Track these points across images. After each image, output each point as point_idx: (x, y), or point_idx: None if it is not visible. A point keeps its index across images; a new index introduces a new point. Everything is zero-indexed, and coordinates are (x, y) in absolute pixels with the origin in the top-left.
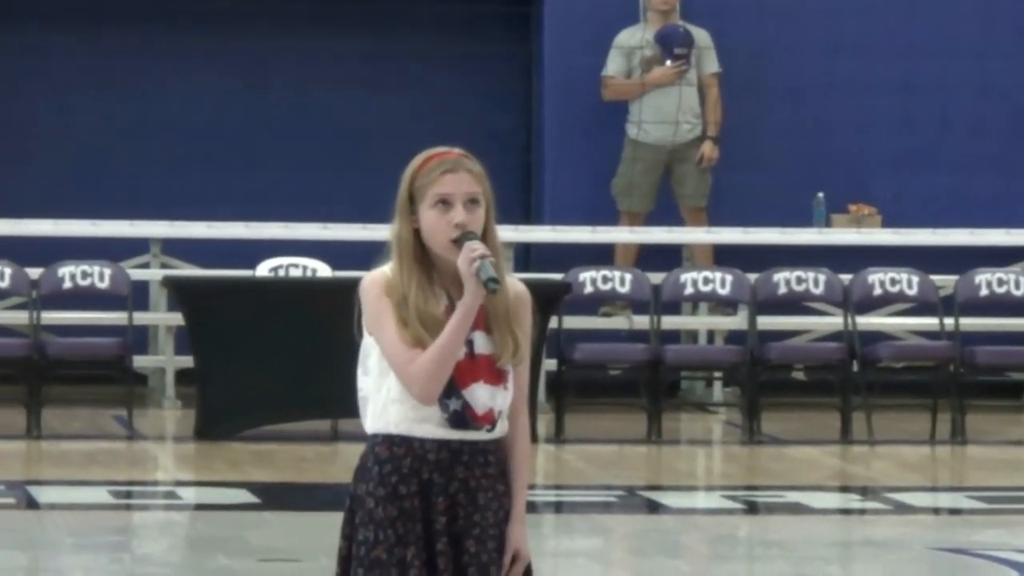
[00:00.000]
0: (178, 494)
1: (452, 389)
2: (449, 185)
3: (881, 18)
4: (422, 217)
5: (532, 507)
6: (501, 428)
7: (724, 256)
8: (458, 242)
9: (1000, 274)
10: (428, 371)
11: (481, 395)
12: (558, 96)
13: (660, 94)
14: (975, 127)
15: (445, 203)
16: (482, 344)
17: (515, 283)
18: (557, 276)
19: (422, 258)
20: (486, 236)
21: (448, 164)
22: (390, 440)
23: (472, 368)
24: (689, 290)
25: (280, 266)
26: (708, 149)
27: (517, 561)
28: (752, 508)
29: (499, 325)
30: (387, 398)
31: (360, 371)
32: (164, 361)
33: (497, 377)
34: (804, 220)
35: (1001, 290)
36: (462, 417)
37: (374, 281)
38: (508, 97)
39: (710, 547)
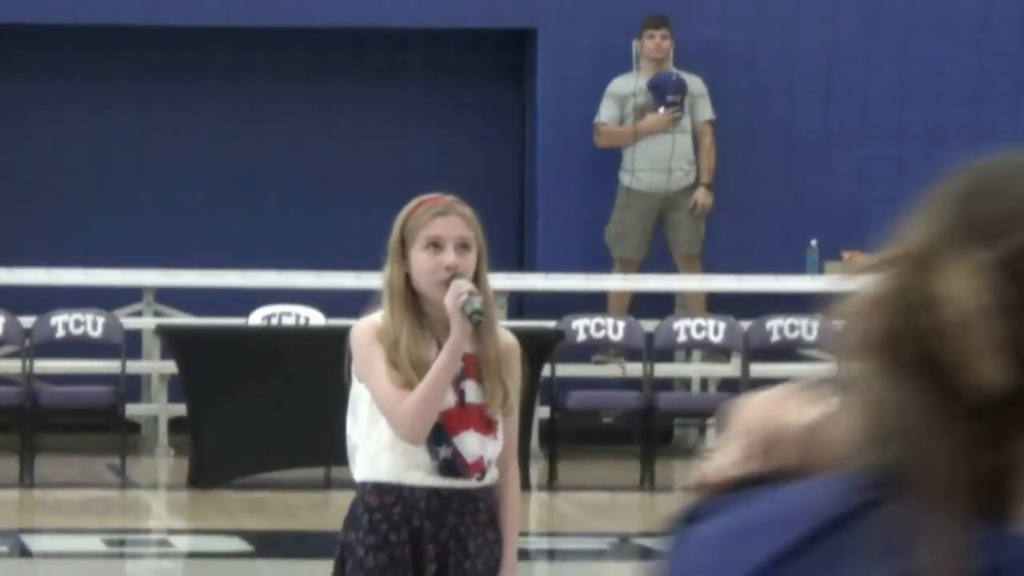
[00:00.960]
0: (171, 542)
1: (443, 437)
2: (440, 228)
3: (876, 66)
4: (413, 260)
5: (525, 554)
6: (491, 477)
7: (717, 303)
8: (447, 284)
9: None
10: (416, 410)
11: (471, 444)
12: (551, 143)
13: (653, 141)
14: None
15: (436, 246)
16: (473, 393)
17: (505, 334)
18: (550, 324)
19: (413, 304)
20: (477, 282)
21: (440, 208)
22: (380, 488)
23: (463, 417)
24: (682, 338)
25: (273, 314)
26: (702, 196)
27: None
28: None
29: (489, 374)
30: (377, 446)
31: (349, 419)
32: (157, 409)
33: (488, 427)
34: (797, 268)
35: None
36: (452, 465)
37: (364, 328)
38: (501, 145)
39: None
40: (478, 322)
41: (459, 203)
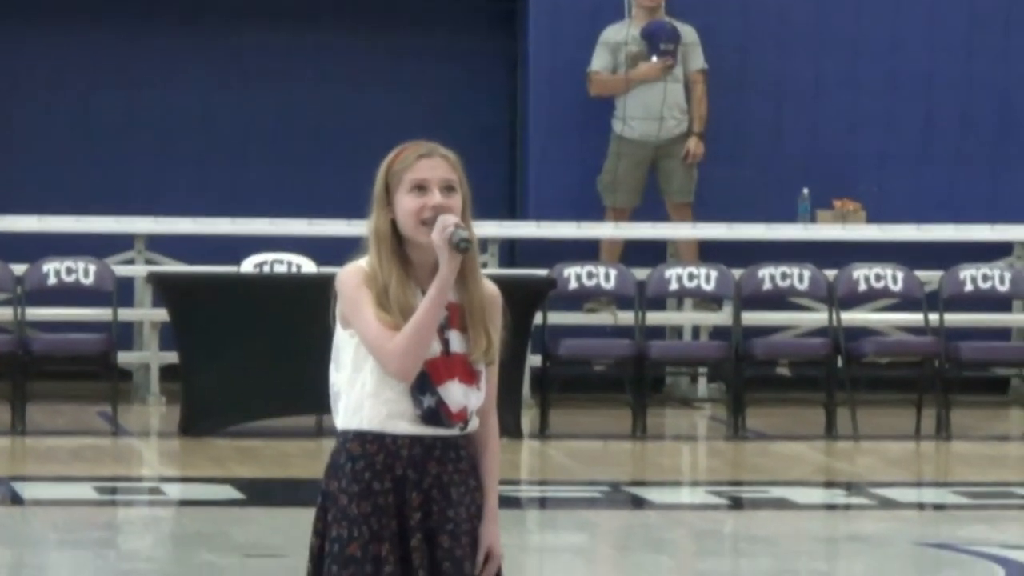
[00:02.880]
0: (163, 490)
1: (427, 385)
2: (425, 170)
3: (867, 14)
4: (398, 204)
5: (517, 503)
6: (472, 427)
7: (709, 252)
8: (431, 224)
9: (985, 269)
10: (406, 346)
11: (455, 393)
12: (543, 92)
13: (646, 90)
14: (961, 123)
15: (421, 188)
16: (457, 343)
17: (488, 284)
18: (542, 272)
19: (399, 251)
20: None
21: (423, 150)
22: (362, 437)
23: (448, 366)
24: (674, 286)
25: (265, 262)
26: (694, 145)
27: (490, 560)
28: (737, 504)
29: (473, 322)
30: (360, 393)
31: (332, 367)
32: (149, 357)
33: (471, 377)
34: (789, 216)
35: (986, 285)
36: (436, 414)
37: (351, 272)
38: (493, 93)
39: (695, 543)
40: (465, 249)
41: (442, 147)
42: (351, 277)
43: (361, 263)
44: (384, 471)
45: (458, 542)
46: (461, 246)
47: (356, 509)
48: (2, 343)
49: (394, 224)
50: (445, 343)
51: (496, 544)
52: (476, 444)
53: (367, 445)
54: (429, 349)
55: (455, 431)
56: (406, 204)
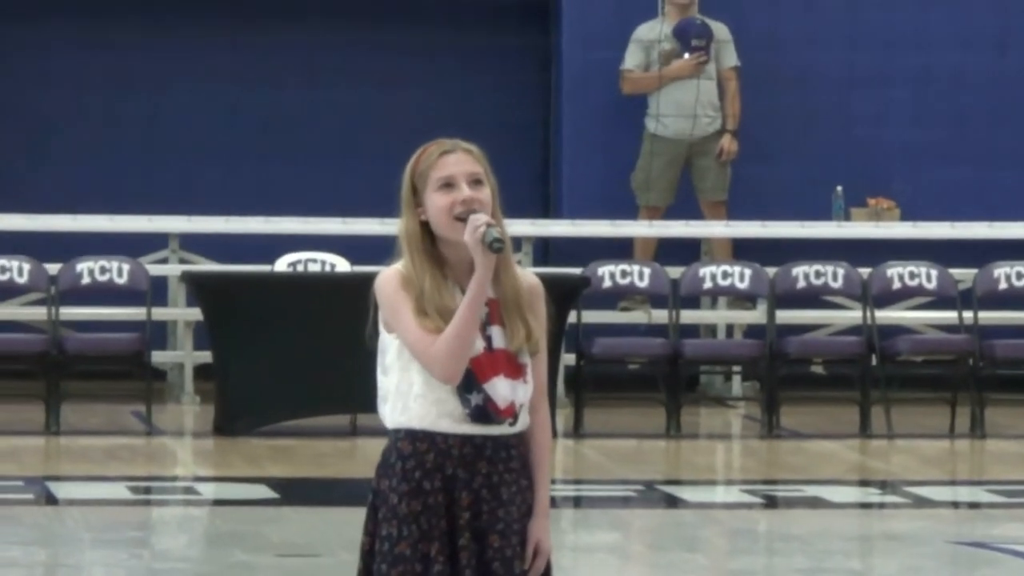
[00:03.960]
0: (197, 490)
1: (473, 383)
2: (451, 166)
3: (899, 9)
4: (428, 204)
5: (551, 501)
6: (523, 422)
7: (743, 250)
8: (464, 219)
9: (1019, 267)
10: (448, 349)
11: (502, 388)
12: (576, 90)
13: (679, 87)
14: (993, 119)
15: (449, 185)
16: (499, 338)
17: (527, 275)
18: (576, 270)
19: (432, 251)
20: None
21: (446, 146)
22: (413, 435)
23: (492, 362)
24: (708, 284)
25: (299, 261)
26: (727, 142)
27: (539, 555)
28: (771, 502)
29: (510, 313)
30: (408, 394)
31: (379, 370)
32: (183, 356)
33: (517, 371)
34: (823, 214)
35: (1020, 283)
36: (484, 411)
37: (389, 277)
38: (526, 91)
39: (729, 541)
40: (499, 249)
41: (463, 141)
42: (389, 282)
43: (397, 267)
44: (434, 470)
45: (508, 541)
46: (495, 247)
47: (406, 508)
48: (36, 343)
49: (424, 225)
50: (487, 340)
51: (545, 539)
52: (527, 443)
53: (418, 444)
54: (472, 349)
55: (505, 427)
56: (436, 202)
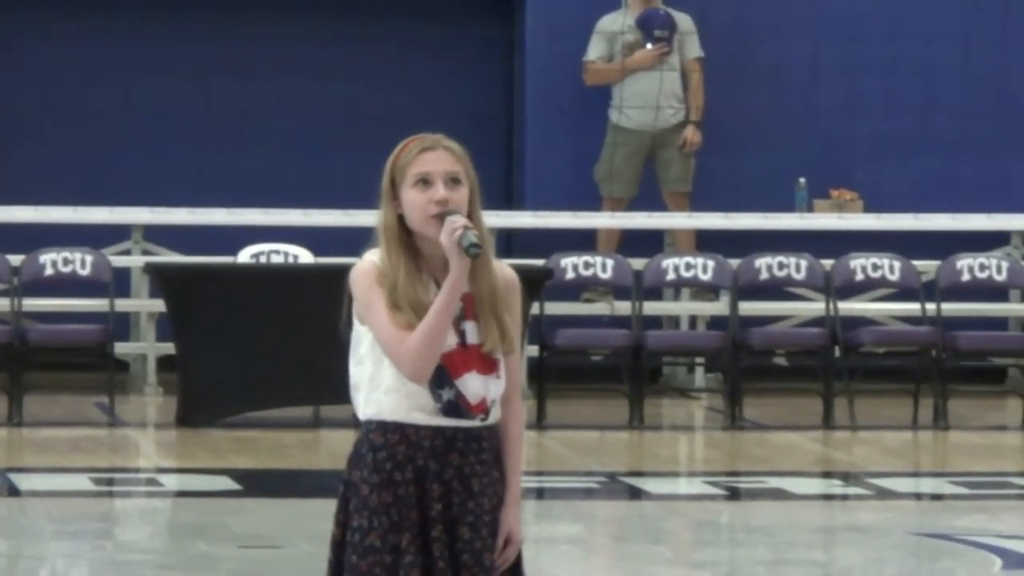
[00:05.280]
0: (159, 481)
1: (445, 379)
2: (428, 163)
3: (864, 1)
4: (404, 198)
5: None
6: (494, 416)
7: (706, 241)
8: (439, 218)
9: (982, 259)
10: (418, 349)
11: (474, 384)
12: (540, 81)
13: (642, 79)
14: (958, 111)
15: (425, 182)
16: (473, 334)
17: (505, 269)
18: (539, 262)
19: (408, 244)
20: (471, 218)
21: (427, 143)
22: (384, 427)
23: (464, 358)
24: (671, 276)
25: (262, 252)
26: (691, 134)
27: (510, 544)
28: (734, 494)
29: (484, 312)
30: (382, 387)
31: (352, 360)
32: (146, 348)
33: (489, 366)
34: (786, 205)
35: (983, 275)
36: (456, 407)
37: (364, 270)
38: (490, 82)
39: (692, 533)
40: (476, 255)
41: (446, 139)
42: (363, 275)
43: (374, 258)
44: (405, 461)
45: (478, 533)
46: (471, 252)
47: (377, 499)
48: None
49: (401, 218)
50: (461, 335)
51: (517, 530)
52: (499, 435)
53: (389, 435)
54: (443, 346)
55: (476, 422)
56: (411, 198)
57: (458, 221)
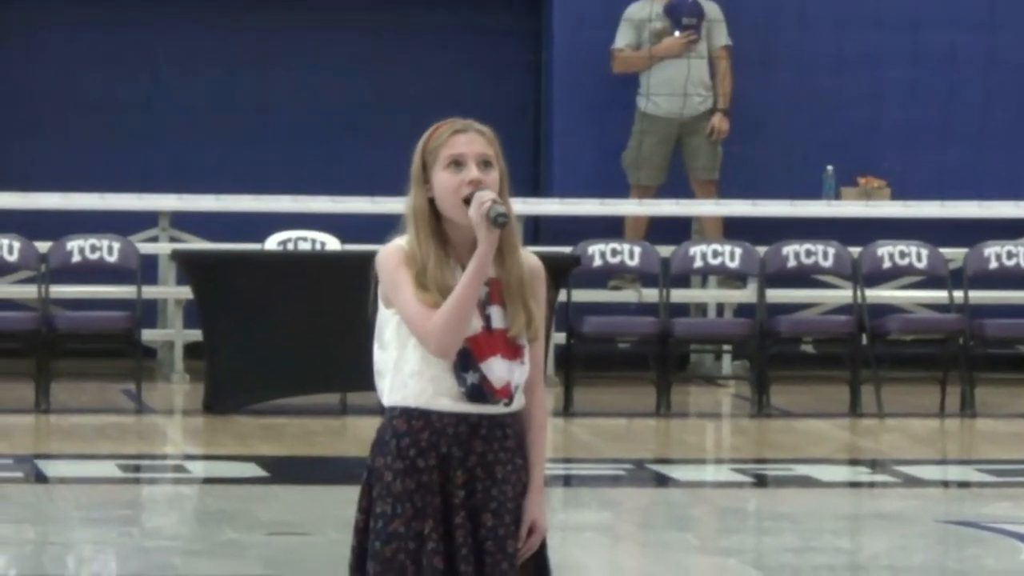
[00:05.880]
0: (186, 468)
1: (470, 362)
2: (461, 145)
3: None
4: (435, 180)
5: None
6: (518, 402)
7: (733, 229)
8: (469, 200)
9: (1009, 247)
10: (445, 323)
11: (499, 369)
12: (567, 69)
13: (669, 66)
14: (985, 99)
15: (458, 164)
16: (499, 318)
17: (529, 257)
18: (566, 249)
19: (437, 229)
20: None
21: (459, 126)
22: (408, 413)
23: (489, 342)
24: (698, 263)
25: (289, 239)
26: (718, 121)
27: (534, 533)
28: (761, 481)
29: (512, 297)
30: (405, 371)
31: (376, 345)
32: (173, 335)
33: (514, 352)
34: (813, 193)
35: (1010, 263)
36: (480, 391)
37: (391, 252)
38: (517, 70)
39: (719, 520)
40: (503, 224)
41: (477, 123)
42: (390, 257)
43: (400, 242)
44: (429, 448)
45: (501, 520)
46: (499, 221)
47: (400, 486)
48: (26, 320)
49: (432, 203)
50: (486, 319)
51: (540, 518)
52: (523, 422)
53: (413, 422)
54: (469, 326)
55: (500, 407)
56: (443, 180)
57: (487, 194)
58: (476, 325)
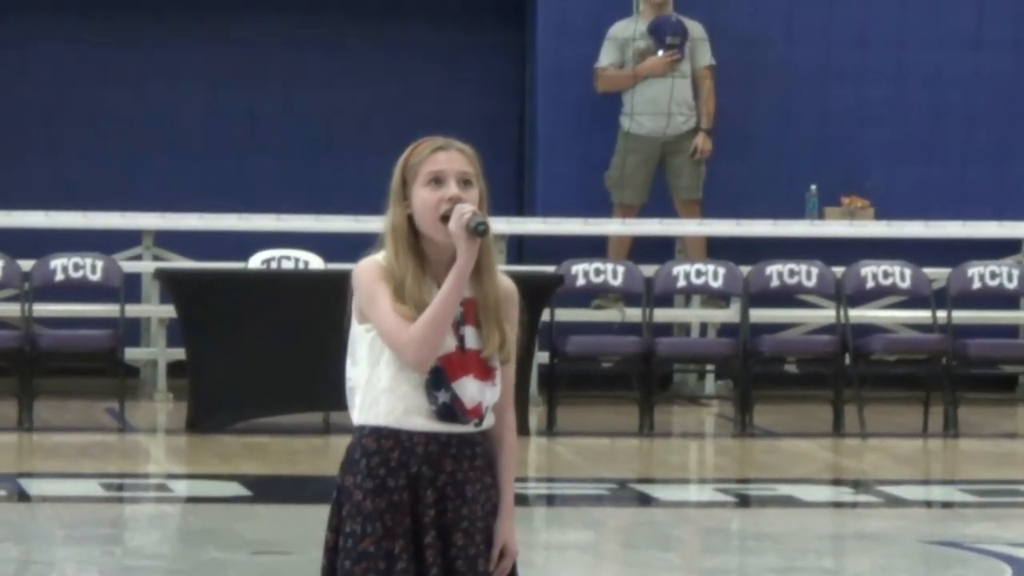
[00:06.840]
0: (169, 487)
1: (442, 381)
2: (441, 163)
3: (875, 8)
4: (414, 197)
5: (524, 500)
6: (488, 422)
7: (717, 248)
8: (448, 218)
9: (993, 267)
10: (423, 334)
11: (470, 389)
12: (551, 87)
13: (653, 85)
14: (969, 118)
15: (438, 181)
16: (473, 339)
17: (504, 279)
18: (549, 268)
19: (415, 246)
20: None
21: (440, 143)
22: (378, 432)
23: (463, 362)
24: (682, 283)
25: (272, 258)
26: (702, 141)
27: (505, 556)
28: (744, 501)
29: (487, 318)
30: (376, 389)
31: (349, 361)
32: (156, 353)
33: (487, 373)
34: (797, 212)
35: (994, 283)
36: (451, 410)
37: (368, 267)
38: (501, 88)
39: (702, 540)
40: (483, 232)
41: (458, 141)
42: (368, 271)
43: (377, 258)
44: (399, 468)
45: (472, 540)
46: (479, 229)
47: (370, 505)
48: (9, 339)
49: (411, 219)
50: (460, 339)
51: (511, 540)
52: (493, 441)
53: (383, 441)
54: (444, 341)
55: (470, 427)
56: (422, 197)
57: (467, 207)
58: (450, 344)
